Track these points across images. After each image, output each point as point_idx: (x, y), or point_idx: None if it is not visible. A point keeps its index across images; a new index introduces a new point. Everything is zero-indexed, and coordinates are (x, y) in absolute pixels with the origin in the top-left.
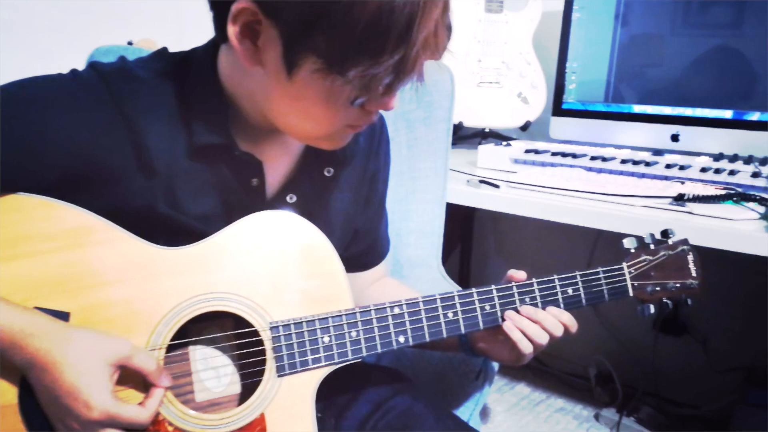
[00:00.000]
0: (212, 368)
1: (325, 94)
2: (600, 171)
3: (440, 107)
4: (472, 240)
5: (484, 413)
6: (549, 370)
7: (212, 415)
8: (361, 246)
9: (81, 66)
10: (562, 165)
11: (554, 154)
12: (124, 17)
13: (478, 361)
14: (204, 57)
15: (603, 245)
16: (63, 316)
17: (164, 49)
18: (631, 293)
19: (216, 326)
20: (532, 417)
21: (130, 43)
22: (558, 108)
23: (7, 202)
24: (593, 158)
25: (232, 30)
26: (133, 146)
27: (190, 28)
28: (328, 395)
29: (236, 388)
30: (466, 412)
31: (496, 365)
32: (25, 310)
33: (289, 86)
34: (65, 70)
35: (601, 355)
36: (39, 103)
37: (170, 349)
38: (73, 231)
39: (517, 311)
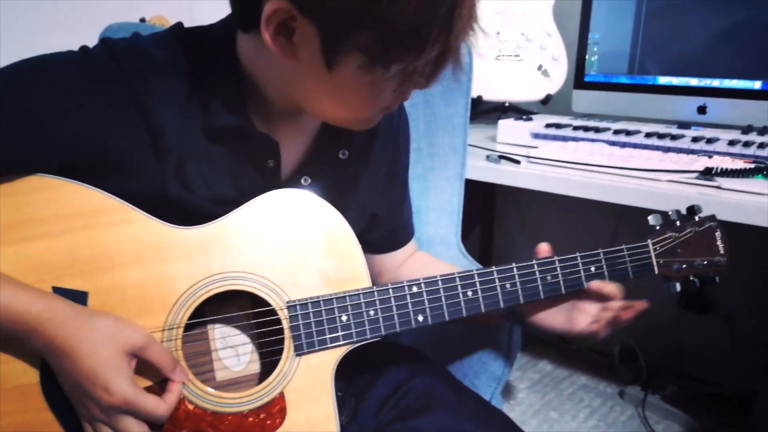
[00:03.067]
0: (231, 347)
1: (368, 87)
2: (624, 145)
3: (458, 81)
4: (493, 217)
5: (507, 390)
6: (572, 348)
7: (232, 394)
8: (384, 230)
9: (92, 44)
10: (584, 139)
11: (576, 128)
12: None
13: (503, 336)
14: (222, 36)
15: (627, 222)
16: (81, 296)
17: (179, 25)
18: (656, 271)
19: (234, 307)
20: (555, 394)
21: (142, 20)
22: (580, 81)
23: (22, 183)
24: (616, 132)
25: (265, 29)
26: (146, 127)
27: (200, 5)
28: (349, 375)
29: (256, 367)
30: (488, 391)
31: (518, 342)
32: (43, 295)
33: (329, 79)
34: (76, 48)
35: (625, 333)
36: (48, 82)
37: (189, 329)
38: (89, 211)
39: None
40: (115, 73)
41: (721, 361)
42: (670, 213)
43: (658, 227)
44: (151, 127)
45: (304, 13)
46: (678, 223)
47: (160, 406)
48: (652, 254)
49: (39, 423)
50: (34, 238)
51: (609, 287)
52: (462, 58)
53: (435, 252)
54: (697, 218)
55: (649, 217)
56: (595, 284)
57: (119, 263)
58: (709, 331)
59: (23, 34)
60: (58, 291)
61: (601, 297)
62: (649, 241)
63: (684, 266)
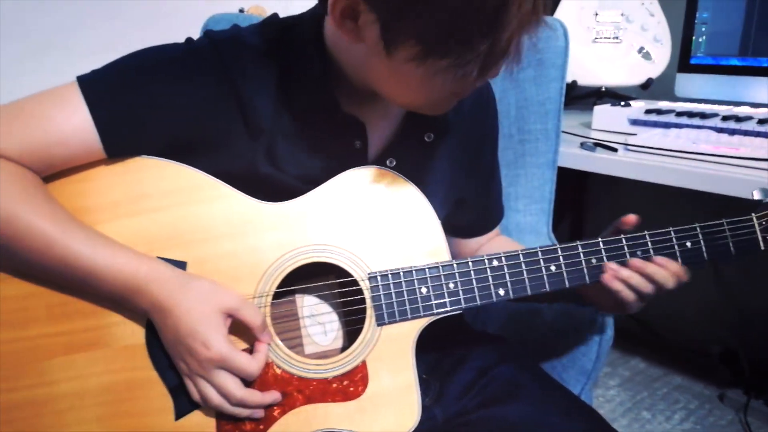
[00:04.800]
0: (318, 320)
1: (422, 78)
2: (733, 132)
3: (552, 65)
4: (586, 207)
5: (596, 386)
6: (666, 345)
7: (317, 360)
8: (472, 215)
9: (194, 34)
10: (688, 126)
11: (679, 113)
12: None
13: (595, 330)
14: (310, 23)
15: (735, 215)
16: (181, 265)
17: (274, 16)
18: (762, 246)
19: (321, 279)
20: (648, 393)
21: (241, 11)
22: (685, 63)
23: (132, 163)
24: (725, 118)
25: (332, 9)
26: (241, 110)
27: None
28: (435, 359)
29: (342, 341)
30: (577, 385)
31: (610, 337)
32: (150, 259)
33: (389, 63)
34: (181, 40)
35: (726, 331)
36: (156, 70)
37: (278, 299)
38: (186, 188)
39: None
40: (216, 61)
41: None
42: None
43: (765, 201)
44: (246, 110)
45: (364, 0)
46: None
47: (251, 363)
48: (757, 228)
49: (145, 380)
50: (142, 212)
51: (674, 266)
52: (521, 55)
53: (524, 240)
54: None
55: (754, 191)
56: (662, 260)
57: (213, 236)
58: None
59: (130, 28)
60: (162, 260)
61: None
62: (753, 215)
63: None
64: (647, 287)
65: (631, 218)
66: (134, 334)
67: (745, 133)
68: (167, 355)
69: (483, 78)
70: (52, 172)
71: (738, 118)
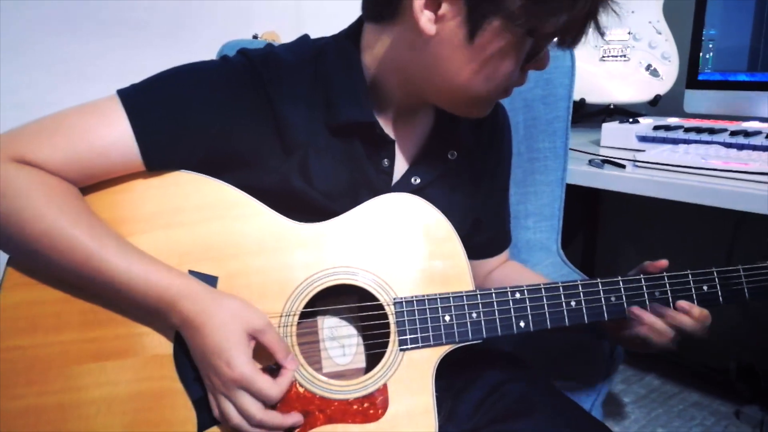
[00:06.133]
0: (339, 341)
1: (505, 53)
2: (742, 147)
3: (559, 85)
4: (597, 224)
5: (610, 404)
6: (682, 362)
7: (339, 381)
8: (486, 235)
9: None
10: (697, 141)
11: (687, 129)
12: (246, 13)
13: (605, 347)
14: (346, 41)
15: (746, 229)
16: (212, 279)
17: (306, 36)
18: None
19: (342, 300)
20: (663, 410)
21: (255, 37)
22: (693, 80)
23: (169, 177)
24: (734, 133)
25: (417, 3)
26: (276, 126)
27: (308, 20)
28: (447, 377)
29: (360, 362)
30: (587, 401)
31: (621, 354)
32: (182, 275)
33: (468, 49)
34: None
35: (743, 347)
36: (195, 85)
37: (303, 318)
38: (220, 204)
39: (645, 307)
40: (251, 77)
41: None
42: None
43: None
44: (280, 126)
45: None
46: None
47: (272, 387)
48: None
49: (170, 391)
50: (176, 225)
51: (697, 311)
52: (602, 28)
53: (534, 257)
54: None
55: None
56: (684, 304)
57: (245, 252)
58: None
59: (146, 58)
60: (193, 274)
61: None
62: None
63: None
64: (668, 332)
65: (662, 263)
66: (162, 344)
67: (754, 147)
68: (194, 367)
69: (573, 44)
70: (91, 183)
71: (747, 133)
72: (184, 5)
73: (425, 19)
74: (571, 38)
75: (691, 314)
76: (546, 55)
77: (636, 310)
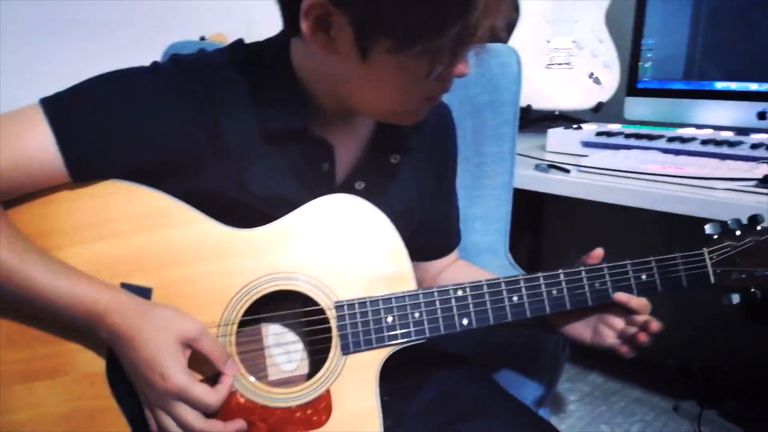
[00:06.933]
0: (283, 347)
1: (400, 72)
2: (678, 152)
3: (507, 90)
4: (542, 227)
5: (556, 402)
6: (624, 360)
7: (281, 389)
8: (432, 237)
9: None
10: (636, 147)
11: (628, 136)
12: (195, 15)
13: (551, 347)
14: (277, 46)
15: (682, 232)
16: (146, 291)
17: (240, 41)
18: (712, 280)
19: (286, 306)
20: (606, 407)
21: (202, 38)
22: (633, 87)
23: (99, 187)
24: (671, 139)
25: (305, 25)
26: (209, 133)
27: (257, 22)
28: (395, 380)
29: (306, 368)
30: (535, 401)
31: (566, 353)
32: (110, 288)
33: (365, 68)
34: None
35: (681, 344)
36: (124, 92)
37: (244, 327)
38: (153, 212)
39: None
40: (182, 83)
41: None
42: (729, 222)
43: (715, 236)
44: (214, 132)
45: (336, 5)
46: (738, 232)
47: (210, 395)
48: (708, 263)
49: (104, 409)
50: (108, 236)
51: (635, 301)
52: (486, 42)
53: (482, 260)
54: (759, 228)
55: (706, 226)
56: (622, 296)
57: (181, 261)
58: None
59: (90, 55)
60: (126, 287)
61: (627, 311)
62: (705, 249)
63: (744, 276)
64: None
65: (597, 252)
66: (94, 361)
67: (690, 153)
68: (128, 383)
69: (454, 65)
70: (15, 196)
71: (683, 139)
72: (128, 5)
73: (319, 41)
74: (456, 57)
75: (629, 305)
76: (465, 64)
77: (621, 296)
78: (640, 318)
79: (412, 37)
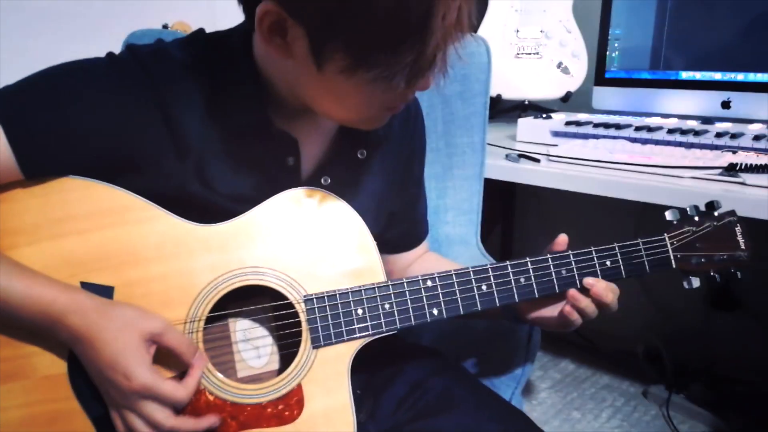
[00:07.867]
0: (252, 344)
1: (355, 89)
2: (645, 142)
3: (476, 80)
4: (513, 217)
5: (528, 390)
6: (594, 347)
7: (251, 385)
8: (400, 228)
9: (117, 50)
10: (604, 136)
11: (596, 125)
12: (158, 1)
13: (523, 336)
14: (239, 38)
15: (649, 219)
16: (107, 290)
17: (200, 31)
18: (673, 264)
19: (254, 302)
20: (577, 394)
21: (165, 26)
22: (600, 77)
23: (54, 184)
24: (638, 128)
25: (259, 30)
26: (168, 127)
27: (221, 10)
28: (368, 374)
29: (275, 363)
30: (507, 391)
31: (538, 341)
32: (68, 288)
33: (321, 78)
34: (102, 54)
35: (649, 331)
36: (78, 85)
37: (211, 323)
38: (113, 210)
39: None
40: (139, 76)
41: (753, 361)
42: (687, 209)
43: (675, 222)
44: (172, 128)
45: (291, 14)
46: (696, 218)
47: (178, 390)
48: (669, 248)
49: (66, 412)
50: (65, 234)
51: (603, 283)
52: (447, 67)
53: (454, 251)
54: (716, 213)
55: (666, 212)
56: (590, 280)
57: (143, 259)
58: (739, 329)
59: (50, 43)
60: (87, 286)
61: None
62: (665, 234)
63: (703, 260)
64: (594, 311)
65: (561, 238)
66: (55, 364)
67: (657, 142)
68: (91, 384)
69: (411, 90)
70: None
71: (649, 129)
72: None
73: (275, 45)
74: (413, 82)
75: (597, 288)
76: (427, 80)
77: (589, 280)
78: (606, 300)
79: (367, 56)
